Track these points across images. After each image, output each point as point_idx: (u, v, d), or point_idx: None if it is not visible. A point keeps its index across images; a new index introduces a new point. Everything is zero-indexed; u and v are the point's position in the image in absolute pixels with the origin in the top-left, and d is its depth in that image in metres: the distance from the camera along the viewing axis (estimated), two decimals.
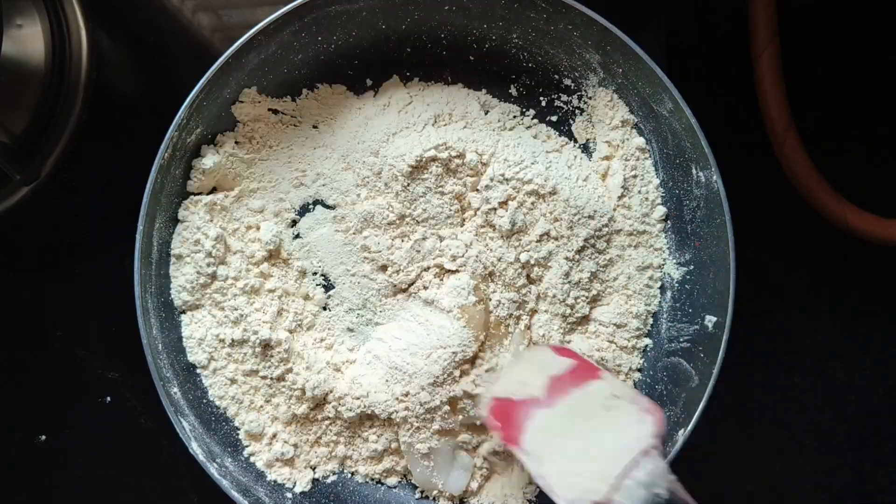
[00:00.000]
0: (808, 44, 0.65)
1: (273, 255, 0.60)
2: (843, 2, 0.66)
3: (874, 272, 0.67)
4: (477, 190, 0.59)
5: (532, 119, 0.63)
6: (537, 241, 0.58)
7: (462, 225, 0.60)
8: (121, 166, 0.65)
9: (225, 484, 0.55)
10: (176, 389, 0.56)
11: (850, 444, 0.67)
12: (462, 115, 0.62)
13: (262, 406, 0.59)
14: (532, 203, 0.58)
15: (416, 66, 0.63)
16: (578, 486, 0.47)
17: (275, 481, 0.59)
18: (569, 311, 0.60)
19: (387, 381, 0.58)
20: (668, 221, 0.62)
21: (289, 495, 0.59)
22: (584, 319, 0.61)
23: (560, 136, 0.63)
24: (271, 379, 0.58)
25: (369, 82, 0.63)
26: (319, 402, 0.59)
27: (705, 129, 0.55)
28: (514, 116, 0.63)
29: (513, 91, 0.63)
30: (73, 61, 0.65)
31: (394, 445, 0.59)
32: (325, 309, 0.61)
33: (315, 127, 0.62)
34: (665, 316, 0.62)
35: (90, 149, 0.65)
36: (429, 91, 0.63)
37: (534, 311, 0.60)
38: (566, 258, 0.59)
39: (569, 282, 0.59)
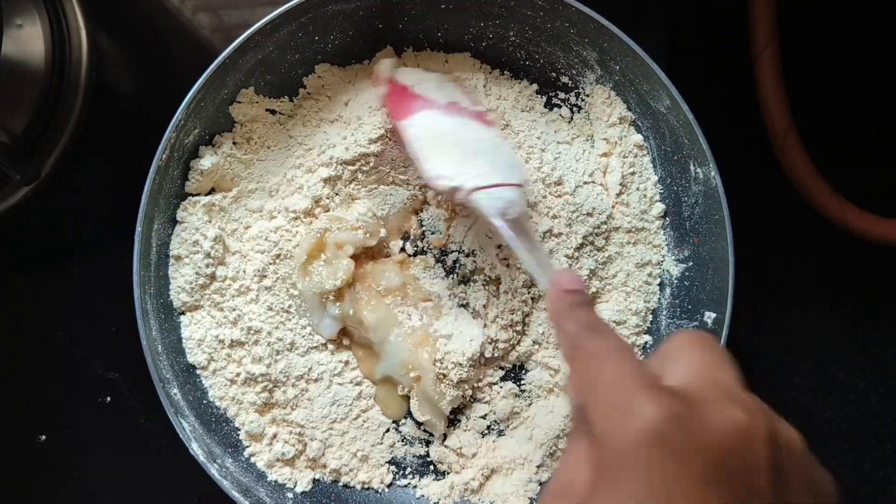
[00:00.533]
0: (808, 44, 0.65)
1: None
2: (843, 2, 0.66)
3: (874, 272, 0.67)
4: None
5: (545, 107, 0.63)
6: (540, 240, 0.58)
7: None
8: (120, 166, 0.66)
9: (225, 484, 0.55)
10: (176, 390, 0.56)
11: (850, 444, 0.67)
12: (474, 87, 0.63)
13: (262, 406, 0.59)
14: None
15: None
16: (447, 170, 0.52)
17: (276, 481, 0.59)
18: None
19: None
20: (667, 218, 0.62)
21: (290, 495, 0.59)
22: None
23: (573, 128, 0.63)
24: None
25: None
26: None
27: (704, 127, 0.55)
28: (530, 98, 0.63)
29: None
30: (73, 61, 0.65)
31: None
32: None
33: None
34: (664, 313, 0.62)
35: (90, 149, 0.65)
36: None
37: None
38: (566, 256, 0.59)
39: None
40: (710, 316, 0.58)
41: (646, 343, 0.61)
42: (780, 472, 0.31)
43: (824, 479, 0.34)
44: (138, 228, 0.55)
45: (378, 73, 0.59)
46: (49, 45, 0.64)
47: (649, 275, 0.61)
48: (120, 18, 0.67)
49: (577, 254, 0.59)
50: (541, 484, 0.59)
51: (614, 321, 0.61)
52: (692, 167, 0.58)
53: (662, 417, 0.30)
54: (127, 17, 0.67)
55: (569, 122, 0.63)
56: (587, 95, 0.62)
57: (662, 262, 0.62)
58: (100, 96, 0.65)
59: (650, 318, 0.62)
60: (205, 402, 0.58)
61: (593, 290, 0.60)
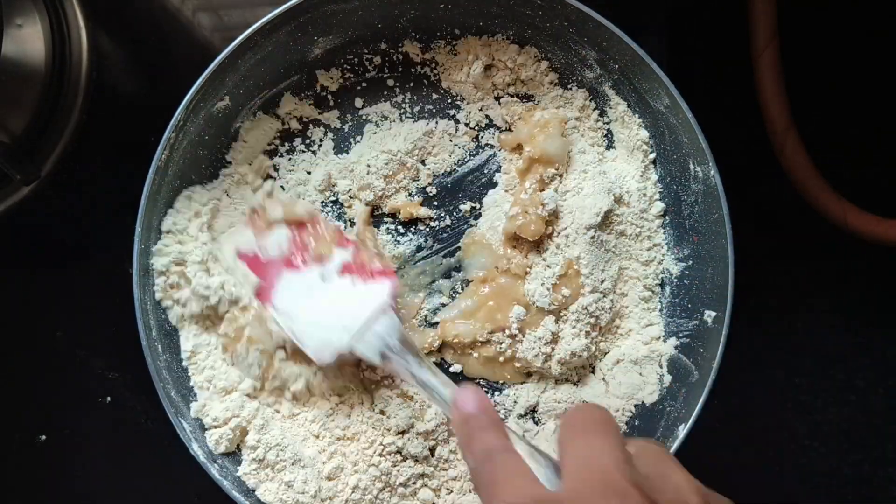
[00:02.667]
0: (808, 44, 0.65)
1: None
2: (843, 2, 0.66)
3: (874, 272, 0.67)
4: None
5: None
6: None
7: None
8: (120, 166, 0.66)
9: (226, 485, 0.55)
10: (176, 390, 0.56)
11: (850, 444, 0.67)
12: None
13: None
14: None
15: (412, 64, 0.63)
16: (325, 340, 0.55)
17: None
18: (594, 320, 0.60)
19: None
20: (667, 217, 0.62)
21: None
22: None
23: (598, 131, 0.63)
24: None
25: (364, 82, 0.63)
26: None
27: (704, 127, 0.55)
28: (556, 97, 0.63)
29: None
30: (73, 61, 0.65)
31: None
32: None
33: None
34: (664, 311, 0.62)
35: (90, 149, 0.65)
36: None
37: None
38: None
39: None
40: (709, 315, 0.58)
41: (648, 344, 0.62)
42: None
43: None
44: (138, 229, 0.55)
45: (227, 268, 0.58)
46: (49, 45, 0.64)
47: (649, 274, 0.62)
48: (120, 18, 0.67)
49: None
50: None
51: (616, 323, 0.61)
52: (692, 166, 0.58)
53: None
54: (127, 17, 0.67)
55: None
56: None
57: (662, 260, 0.62)
58: (100, 96, 0.65)
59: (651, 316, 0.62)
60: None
61: (594, 287, 0.61)
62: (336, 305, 0.56)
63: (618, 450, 0.35)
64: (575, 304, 0.59)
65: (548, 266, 0.59)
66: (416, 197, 0.62)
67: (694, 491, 0.35)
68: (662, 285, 0.62)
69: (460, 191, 0.63)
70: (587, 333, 0.59)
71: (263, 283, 0.57)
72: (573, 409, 0.41)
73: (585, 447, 0.36)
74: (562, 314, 0.59)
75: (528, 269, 0.60)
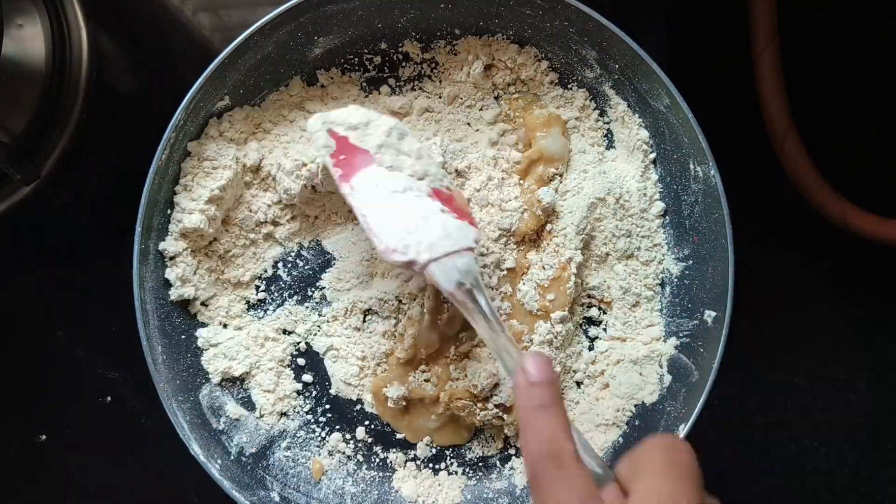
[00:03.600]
0: (808, 44, 0.65)
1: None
2: (843, 2, 0.66)
3: (874, 272, 0.67)
4: None
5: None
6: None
7: None
8: (120, 167, 0.66)
9: (226, 484, 0.55)
10: (176, 390, 0.56)
11: (850, 444, 0.67)
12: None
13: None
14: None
15: (411, 63, 0.63)
16: (401, 241, 0.50)
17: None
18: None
19: None
20: (667, 217, 0.62)
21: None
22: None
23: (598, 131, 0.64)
24: None
25: (363, 82, 0.63)
26: None
27: (704, 127, 0.55)
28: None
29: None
30: (73, 61, 0.65)
31: None
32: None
33: None
34: (664, 311, 0.62)
35: (90, 149, 0.65)
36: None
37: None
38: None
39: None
40: (709, 314, 0.58)
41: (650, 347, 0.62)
42: None
43: None
44: (138, 228, 0.55)
45: (312, 136, 0.54)
46: (49, 45, 0.64)
47: (649, 274, 0.62)
48: (120, 18, 0.67)
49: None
50: None
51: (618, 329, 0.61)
52: (692, 166, 0.58)
53: None
54: (127, 17, 0.67)
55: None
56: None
57: (662, 260, 0.62)
58: (100, 96, 0.65)
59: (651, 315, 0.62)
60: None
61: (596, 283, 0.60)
62: (421, 220, 0.52)
63: (695, 500, 0.33)
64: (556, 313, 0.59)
65: (543, 267, 0.59)
66: None
67: None
68: (662, 285, 0.62)
69: None
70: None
71: (345, 162, 0.53)
72: (662, 439, 0.36)
73: (666, 487, 0.33)
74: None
75: (525, 270, 0.60)
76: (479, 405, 0.58)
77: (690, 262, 0.60)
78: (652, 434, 0.57)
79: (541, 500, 0.35)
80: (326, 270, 0.62)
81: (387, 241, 0.50)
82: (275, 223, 0.61)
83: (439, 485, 0.60)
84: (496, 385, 0.58)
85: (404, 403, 0.60)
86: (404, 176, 0.54)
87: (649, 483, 0.33)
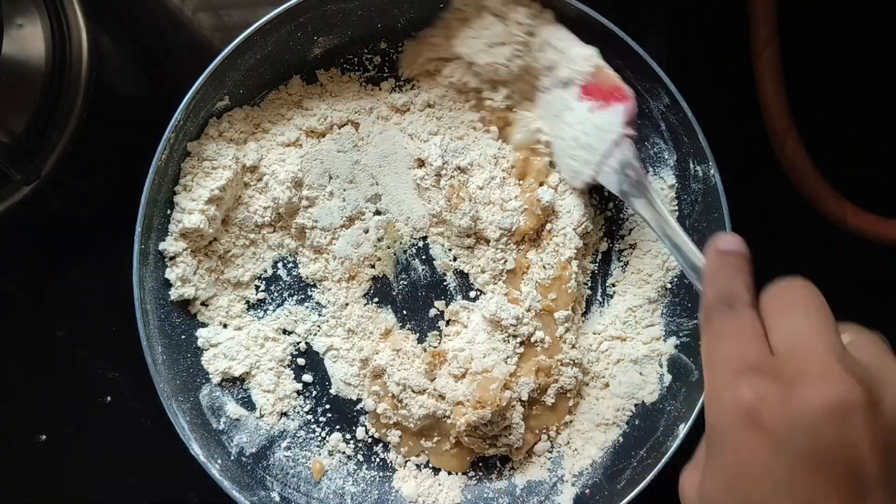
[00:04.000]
0: (808, 44, 0.65)
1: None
2: (843, 2, 0.66)
3: (874, 272, 0.67)
4: None
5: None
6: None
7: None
8: (120, 166, 0.66)
9: (226, 484, 0.55)
10: (176, 390, 0.56)
11: None
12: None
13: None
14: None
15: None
16: (572, 169, 0.58)
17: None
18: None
19: None
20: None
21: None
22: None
23: None
24: None
25: (363, 82, 0.63)
26: None
27: (704, 127, 0.55)
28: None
29: None
30: (73, 61, 0.65)
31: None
32: None
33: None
34: (664, 311, 0.62)
35: (90, 149, 0.65)
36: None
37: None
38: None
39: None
40: None
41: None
42: (887, 439, 0.30)
43: None
44: (138, 229, 0.55)
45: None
46: (49, 45, 0.64)
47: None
48: (120, 18, 0.67)
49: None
50: None
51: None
52: (691, 165, 0.58)
53: (753, 401, 0.32)
54: (127, 17, 0.67)
55: None
56: None
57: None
58: (100, 96, 0.65)
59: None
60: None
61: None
62: (578, 135, 0.56)
63: (834, 334, 0.33)
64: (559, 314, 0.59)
65: (543, 267, 0.59)
66: None
67: None
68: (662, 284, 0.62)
69: None
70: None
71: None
72: (781, 283, 0.38)
73: (798, 325, 0.34)
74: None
75: (525, 270, 0.60)
76: (489, 441, 0.58)
77: None
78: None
79: (705, 338, 0.37)
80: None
81: (566, 175, 0.59)
82: (271, 226, 0.61)
83: (439, 485, 0.60)
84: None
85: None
86: (555, 90, 0.57)
87: (784, 325, 0.35)
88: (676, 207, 0.60)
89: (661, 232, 0.51)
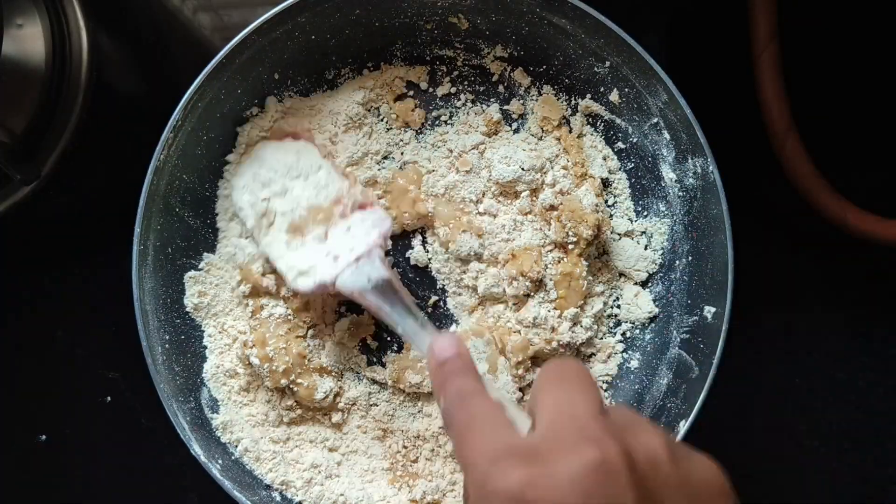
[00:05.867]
0: (808, 44, 0.65)
1: None
2: (843, 1, 0.66)
3: (874, 272, 0.67)
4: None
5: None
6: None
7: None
8: (120, 166, 0.66)
9: (227, 484, 0.55)
10: (176, 390, 0.56)
11: (850, 444, 0.67)
12: None
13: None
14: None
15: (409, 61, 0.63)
16: (303, 263, 0.55)
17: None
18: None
19: None
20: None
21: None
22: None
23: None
24: None
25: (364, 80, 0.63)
26: None
27: (704, 126, 0.55)
28: None
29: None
30: (73, 61, 0.65)
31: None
32: None
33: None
34: (664, 308, 0.62)
35: (90, 149, 0.65)
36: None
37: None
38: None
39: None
40: (709, 310, 0.57)
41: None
42: (646, 490, 0.31)
43: (702, 470, 0.35)
44: (137, 229, 0.55)
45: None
46: (49, 45, 0.64)
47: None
48: (120, 18, 0.67)
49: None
50: None
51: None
52: (690, 160, 0.58)
53: (517, 486, 0.31)
54: (127, 17, 0.67)
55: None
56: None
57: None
58: (100, 96, 0.65)
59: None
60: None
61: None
62: (328, 239, 0.56)
63: (594, 401, 0.34)
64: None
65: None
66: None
67: (663, 445, 0.33)
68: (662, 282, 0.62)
69: None
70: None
71: None
72: (550, 361, 0.39)
73: (561, 396, 0.35)
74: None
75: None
76: None
77: (690, 258, 0.60)
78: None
79: (453, 439, 0.37)
80: None
81: (291, 272, 0.56)
82: None
83: None
84: None
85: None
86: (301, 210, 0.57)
87: (545, 399, 0.35)
88: (676, 205, 0.61)
89: (396, 326, 0.51)
